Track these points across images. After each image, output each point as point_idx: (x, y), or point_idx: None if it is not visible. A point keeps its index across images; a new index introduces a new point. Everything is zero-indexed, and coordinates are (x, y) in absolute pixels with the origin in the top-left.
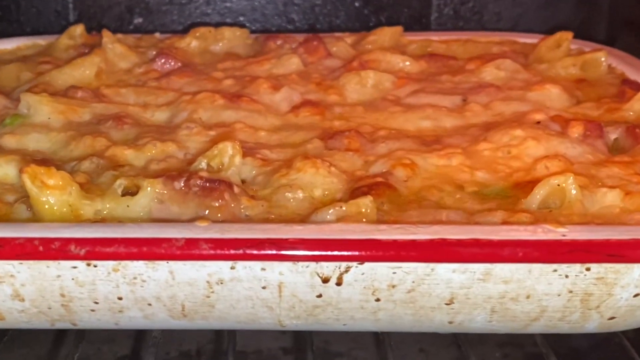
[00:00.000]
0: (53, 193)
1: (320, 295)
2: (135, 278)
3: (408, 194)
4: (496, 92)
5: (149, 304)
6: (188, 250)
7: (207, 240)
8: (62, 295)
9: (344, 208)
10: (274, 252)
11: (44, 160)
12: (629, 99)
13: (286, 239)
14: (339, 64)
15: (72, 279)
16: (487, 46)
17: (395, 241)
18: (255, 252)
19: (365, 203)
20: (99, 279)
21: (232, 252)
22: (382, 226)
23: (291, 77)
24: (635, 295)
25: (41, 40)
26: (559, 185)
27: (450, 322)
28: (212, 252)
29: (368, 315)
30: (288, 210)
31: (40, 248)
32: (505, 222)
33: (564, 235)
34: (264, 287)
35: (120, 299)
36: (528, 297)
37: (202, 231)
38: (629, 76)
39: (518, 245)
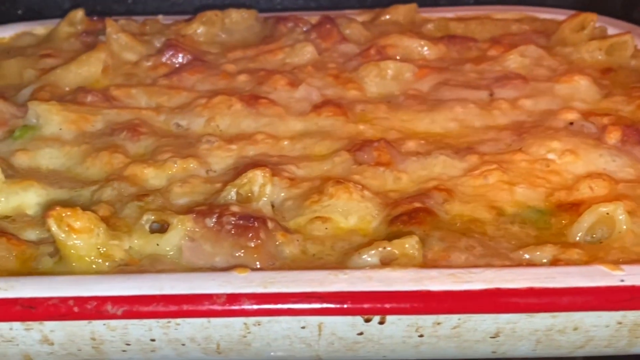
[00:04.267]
0: (80, 237)
1: (361, 333)
2: (169, 322)
3: (449, 220)
4: (523, 85)
5: (183, 344)
6: (230, 306)
7: (249, 296)
8: (93, 339)
9: (388, 248)
10: (319, 305)
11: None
12: None
13: (333, 293)
14: (355, 49)
15: (104, 324)
16: (506, 24)
17: (447, 293)
18: (301, 306)
19: (412, 243)
20: (132, 324)
21: (277, 307)
22: (432, 272)
23: (307, 70)
24: None
25: (39, 27)
26: (608, 214)
27: (494, 352)
28: (255, 307)
29: (409, 349)
30: (325, 246)
31: (76, 309)
32: (556, 260)
33: (622, 280)
34: (303, 327)
35: (153, 340)
36: (575, 329)
37: (243, 284)
38: None
39: (576, 293)
